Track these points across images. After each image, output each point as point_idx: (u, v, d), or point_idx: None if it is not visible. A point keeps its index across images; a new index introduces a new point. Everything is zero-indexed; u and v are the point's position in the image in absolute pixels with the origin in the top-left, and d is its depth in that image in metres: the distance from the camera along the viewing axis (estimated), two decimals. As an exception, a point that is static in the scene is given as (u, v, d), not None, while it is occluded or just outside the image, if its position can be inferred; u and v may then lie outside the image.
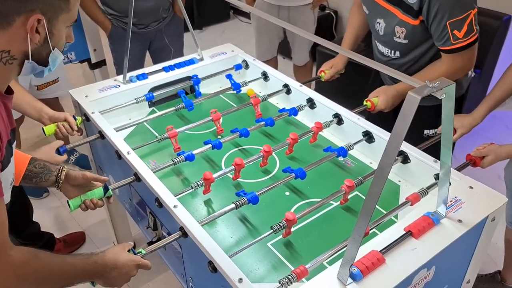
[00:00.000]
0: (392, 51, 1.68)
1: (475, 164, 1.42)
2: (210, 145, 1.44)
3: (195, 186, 1.27)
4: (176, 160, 1.37)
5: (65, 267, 0.97)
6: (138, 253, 1.08)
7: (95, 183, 1.28)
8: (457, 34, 1.45)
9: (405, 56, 1.66)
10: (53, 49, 0.90)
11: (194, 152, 1.41)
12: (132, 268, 1.05)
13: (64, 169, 1.25)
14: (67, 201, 1.24)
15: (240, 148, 1.58)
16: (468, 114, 1.55)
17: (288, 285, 0.96)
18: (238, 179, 1.37)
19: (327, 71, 1.92)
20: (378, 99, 1.65)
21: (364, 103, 1.65)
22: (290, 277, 0.97)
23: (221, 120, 1.62)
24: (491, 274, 2.01)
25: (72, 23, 0.93)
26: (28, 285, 0.91)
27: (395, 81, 1.75)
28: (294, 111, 1.64)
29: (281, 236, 1.20)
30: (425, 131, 1.74)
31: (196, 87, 1.84)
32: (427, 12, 1.46)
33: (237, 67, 1.93)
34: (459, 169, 1.35)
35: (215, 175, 1.28)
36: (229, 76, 1.86)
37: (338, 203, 1.30)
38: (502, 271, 1.98)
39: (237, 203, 1.19)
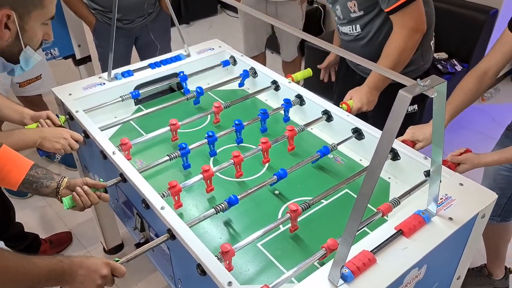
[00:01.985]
0: (353, 27, 1.72)
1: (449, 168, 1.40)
2: (206, 141, 1.43)
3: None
4: (172, 156, 1.36)
5: (30, 268, 0.92)
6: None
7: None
8: None
9: (365, 28, 1.69)
10: (25, 47, 0.86)
11: (190, 147, 1.40)
12: (101, 265, 0.99)
13: (65, 178, 1.23)
14: (61, 199, 1.21)
15: (233, 145, 1.55)
16: (428, 124, 1.49)
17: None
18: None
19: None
20: (352, 100, 1.63)
21: (340, 106, 1.60)
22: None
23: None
24: (477, 268, 2.02)
25: (48, 20, 0.89)
26: None
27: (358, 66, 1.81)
28: (288, 103, 1.62)
29: (271, 236, 1.19)
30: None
31: (184, 84, 1.81)
32: None
33: (225, 63, 1.90)
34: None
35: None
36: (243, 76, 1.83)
37: (328, 201, 1.29)
38: (487, 265, 2.00)
39: (217, 208, 1.16)
